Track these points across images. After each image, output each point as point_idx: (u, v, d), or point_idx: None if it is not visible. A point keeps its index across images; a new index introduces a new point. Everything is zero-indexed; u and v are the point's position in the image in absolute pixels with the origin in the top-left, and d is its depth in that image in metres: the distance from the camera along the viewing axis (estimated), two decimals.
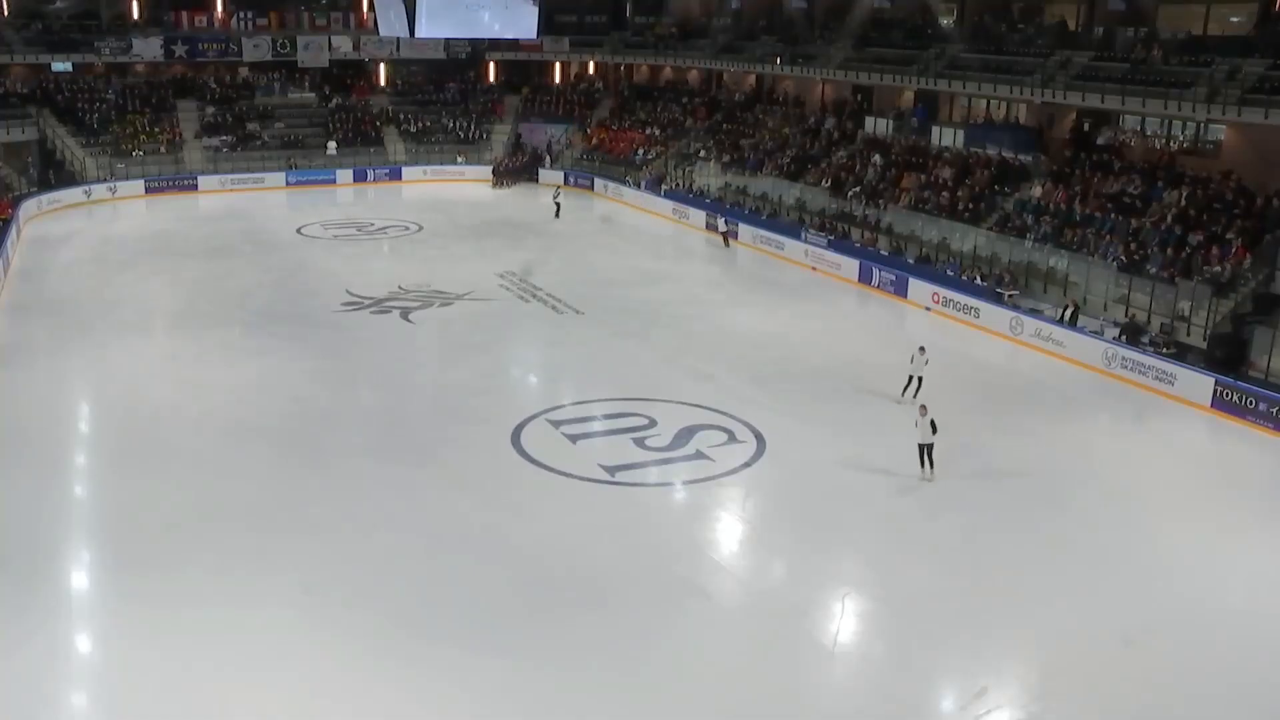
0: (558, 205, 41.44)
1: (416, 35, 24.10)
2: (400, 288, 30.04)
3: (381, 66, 54.77)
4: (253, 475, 18.13)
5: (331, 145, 49.00)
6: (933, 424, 17.73)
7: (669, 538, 16.34)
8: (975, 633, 13.88)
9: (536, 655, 13.17)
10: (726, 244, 37.22)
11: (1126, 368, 23.37)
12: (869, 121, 40.07)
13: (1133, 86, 28.90)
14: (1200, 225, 26.26)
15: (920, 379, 21.09)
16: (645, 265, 34.20)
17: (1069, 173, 31.25)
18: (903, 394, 21.09)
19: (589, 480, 17.97)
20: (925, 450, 17.85)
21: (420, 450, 19.33)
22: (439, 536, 16.18)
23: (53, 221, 39.39)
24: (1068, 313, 25.50)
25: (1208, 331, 23.58)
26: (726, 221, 37.96)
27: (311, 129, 50.06)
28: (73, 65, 47.40)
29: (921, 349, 21.45)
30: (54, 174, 43.52)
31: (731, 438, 19.74)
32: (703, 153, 44.56)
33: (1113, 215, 28.42)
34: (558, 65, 56.81)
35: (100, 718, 12.48)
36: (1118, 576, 15.32)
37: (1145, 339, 24.00)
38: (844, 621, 14.28)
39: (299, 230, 38.39)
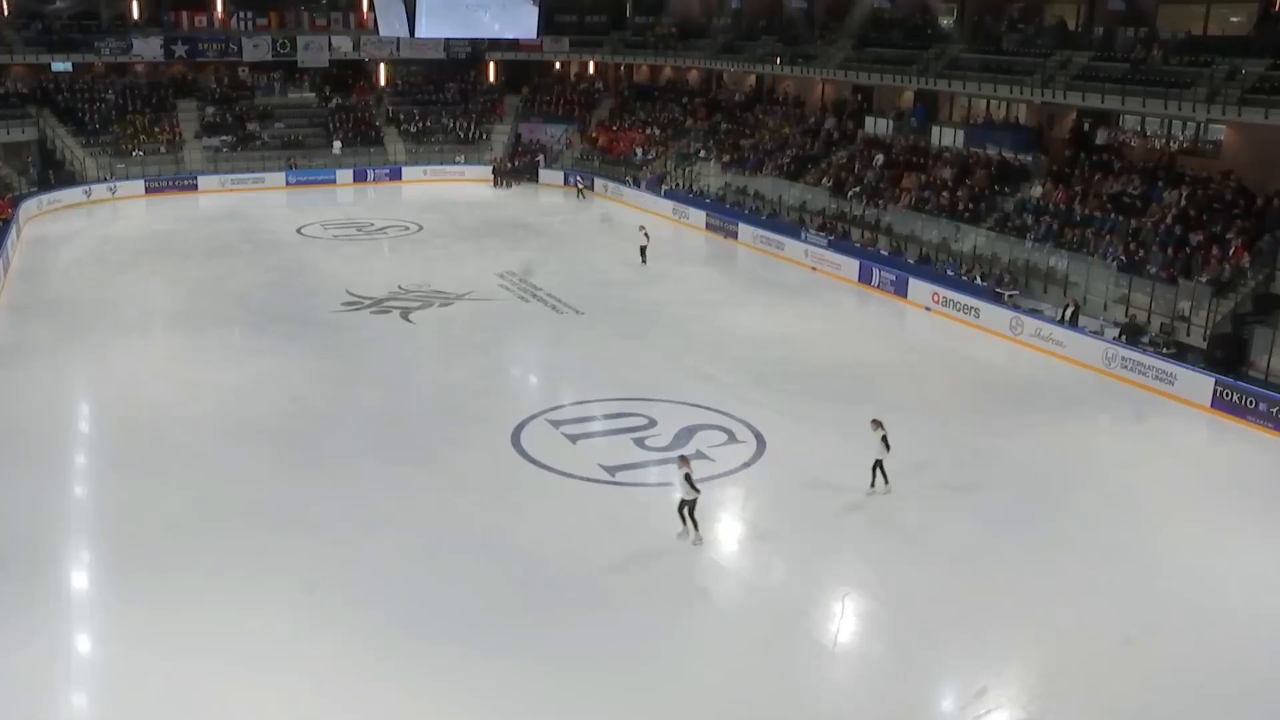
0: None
1: (416, 35, 24.16)
2: (400, 288, 30.05)
3: (381, 66, 54.78)
4: (253, 475, 18.13)
5: (336, 145, 49.03)
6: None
7: (669, 538, 16.33)
8: (975, 633, 13.88)
9: (536, 655, 13.17)
10: (580, 196, 44.85)
11: (1126, 368, 23.37)
12: (869, 121, 40.08)
13: (1133, 86, 28.90)
14: (1200, 225, 26.25)
15: (880, 462, 17.50)
16: (645, 265, 34.16)
17: (1069, 173, 31.24)
18: (871, 486, 17.57)
19: (589, 480, 17.97)
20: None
21: (420, 450, 19.32)
22: (439, 536, 16.18)
23: (53, 221, 39.41)
24: (1068, 312, 25.49)
25: (1208, 331, 23.57)
26: (581, 178, 46.28)
27: (311, 129, 50.08)
28: (73, 65, 47.38)
29: (874, 424, 17.54)
30: (54, 174, 43.53)
31: (731, 438, 19.74)
32: (703, 153, 44.56)
33: (1113, 215, 28.41)
34: (558, 65, 56.80)
35: (100, 718, 12.48)
36: (1118, 576, 15.32)
37: (1145, 339, 24.00)
38: (844, 621, 14.28)
39: (299, 230, 38.40)
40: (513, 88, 55.57)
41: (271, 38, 49.67)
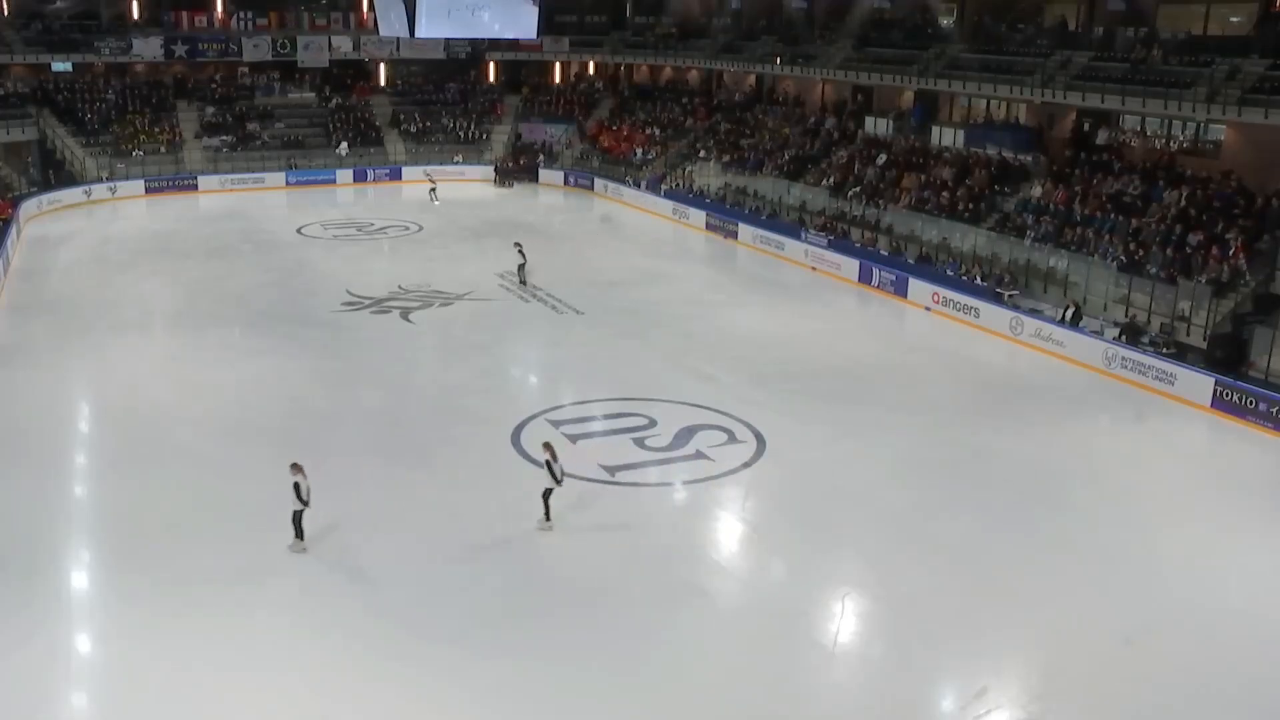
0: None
1: (416, 35, 24.10)
2: (400, 288, 30.04)
3: (381, 66, 54.78)
4: (253, 475, 18.10)
5: (343, 147, 49.02)
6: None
7: (669, 538, 16.34)
8: (975, 632, 13.89)
9: (536, 655, 13.17)
10: (432, 196, 43.26)
11: (1126, 368, 23.37)
12: (869, 121, 40.08)
13: (1133, 86, 28.89)
14: (1200, 225, 26.25)
15: (549, 491, 16.15)
16: (645, 265, 34.19)
17: (1069, 173, 31.23)
18: (547, 519, 16.21)
19: (589, 480, 17.96)
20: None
21: (420, 450, 19.32)
22: (439, 536, 16.17)
23: (53, 221, 39.40)
24: (1069, 313, 25.48)
25: (1208, 331, 23.57)
26: (429, 173, 45.79)
27: (311, 129, 50.07)
28: (73, 65, 47.39)
29: (545, 446, 16.47)
30: (54, 174, 43.51)
31: (731, 438, 19.74)
32: (703, 153, 44.56)
33: (1113, 215, 28.41)
34: (558, 65, 56.81)
35: (100, 718, 12.49)
36: (1118, 576, 15.32)
37: (1145, 339, 24.00)
38: (844, 621, 14.28)
39: (299, 230, 38.40)
40: (513, 88, 55.57)
41: (271, 38, 49.68)
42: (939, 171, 34.55)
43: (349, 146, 49.10)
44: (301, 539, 15.48)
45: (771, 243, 35.91)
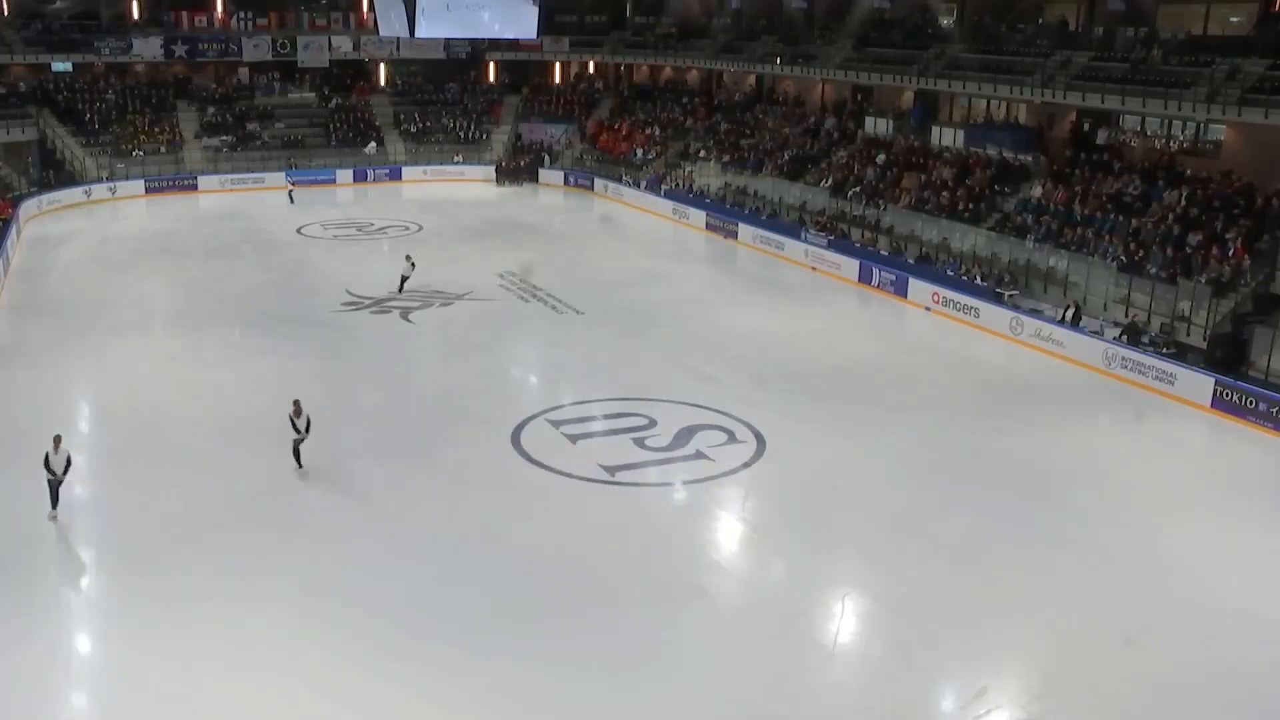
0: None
1: (416, 35, 24.19)
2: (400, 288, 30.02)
3: (381, 66, 54.78)
4: (253, 475, 18.12)
5: (371, 145, 49.07)
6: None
7: (669, 538, 16.34)
8: (975, 632, 13.89)
9: (537, 655, 13.17)
10: (290, 198, 42.94)
11: (1126, 368, 23.37)
12: (869, 121, 40.09)
13: (1133, 86, 28.90)
14: (1200, 225, 26.25)
15: (296, 443, 18.09)
16: (645, 265, 34.19)
17: (1069, 173, 31.24)
18: (299, 465, 18.06)
19: (589, 480, 17.97)
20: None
21: (420, 450, 19.32)
22: (439, 536, 16.18)
23: (53, 221, 39.40)
24: (1069, 313, 25.48)
25: (1208, 331, 23.57)
26: (291, 177, 44.89)
27: (311, 129, 50.08)
28: (73, 65, 47.40)
29: (295, 403, 18.21)
30: (54, 174, 43.50)
31: (731, 438, 19.74)
32: (703, 153, 44.57)
33: (1113, 215, 28.41)
34: (558, 65, 56.82)
35: (100, 718, 12.49)
36: (1118, 576, 15.32)
37: (1145, 339, 24.00)
38: (844, 621, 14.29)
39: (299, 230, 38.40)
40: (513, 88, 55.58)
41: (271, 38, 49.68)
42: (939, 171, 34.55)
43: (378, 145, 49.08)
44: (55, 509, 16.28)
45: (771, 243, 35.91)
